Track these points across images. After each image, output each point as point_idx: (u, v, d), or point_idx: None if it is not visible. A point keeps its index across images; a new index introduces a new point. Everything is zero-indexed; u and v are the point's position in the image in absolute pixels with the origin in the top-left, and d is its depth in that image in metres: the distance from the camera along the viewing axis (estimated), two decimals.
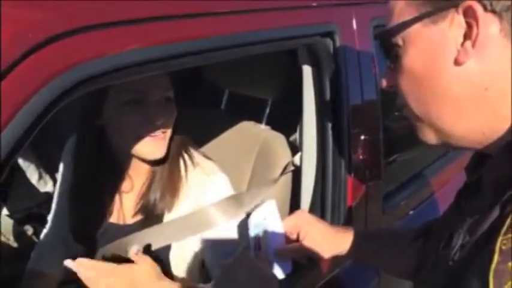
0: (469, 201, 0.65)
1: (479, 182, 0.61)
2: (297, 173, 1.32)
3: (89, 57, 0.66)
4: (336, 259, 1.01)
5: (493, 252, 0.48)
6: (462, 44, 0.58)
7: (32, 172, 1.88)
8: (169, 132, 1.10)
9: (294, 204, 1.32)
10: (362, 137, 1.25)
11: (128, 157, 1.13)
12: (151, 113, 1.04)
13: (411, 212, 1.51)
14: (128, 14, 0.72)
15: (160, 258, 1.08)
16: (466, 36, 0.57)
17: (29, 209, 1.89)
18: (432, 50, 0.60)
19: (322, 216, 1.22)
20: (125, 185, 1.17)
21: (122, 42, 0.70)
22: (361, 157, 1.26)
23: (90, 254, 1.11)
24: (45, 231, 1.34)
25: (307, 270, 1.14)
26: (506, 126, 0.58)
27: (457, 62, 0.58)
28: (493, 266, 0.47)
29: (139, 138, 1.06)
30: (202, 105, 1.56)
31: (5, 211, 1.87)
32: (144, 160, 1.12)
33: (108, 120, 1.08)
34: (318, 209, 1.24)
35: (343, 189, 1.23)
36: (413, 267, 0.79)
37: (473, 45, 0.57)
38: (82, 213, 1.18)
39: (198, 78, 1.55)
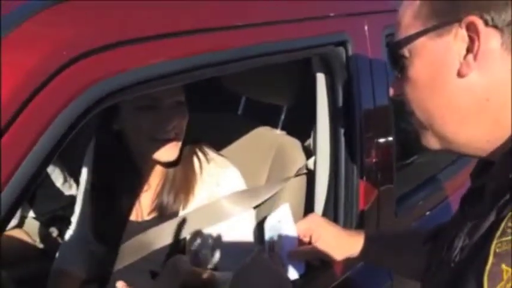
0: (472, 207, 0.68)
1: (482, 189, 0.64)
2: (311, 177, 1.36)
3: (117, 71, 0.72)
4: (348, 261, 1.04)
5: (488, 254, 0.51)
6: (465, 57, 0.61)
7: (57, 176, 1.95)
8: (182, 134, 1.15)
9: (308, 208, 1.35)
10: (374, 142, 1.29)
11: (144, 159, 1.19)
12: (164, 117, 1.09)
13: (424, 216, 1.53)
14: (151, 30, 0.78)
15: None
16: (469, 49, 0.61)
17: (54, 211, 1.96)
18: (437, 62, 0.64)
19: (335, 219, 1.25)
20: (142, 185, 1.23)
21: (146, 56, 0.76)
22: (373, 161, 1.29)
23: (112, 252, 1.16)
24: (69, 232, 1.40)
25: (320, 272, 1.17)
26: (508, 134, 0.62)
27: (460, 74, 0.62)
28: (488, 267, 0.50)
29: (153, 141, 1.12)
30: (220, 111, 1.61)
31: (31, 214, 1.94)
32: (158, 162, 1.17)
33: (124, 125, 1.14)
34: (331, 212, 1.27)
35: (355, 192, 1.27)
36: (423, 268, 0.82)
37: (474, 59, 0.60)
38: (102, 213, 1.24)
39: (217, 85, 1.61)
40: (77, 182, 2.03)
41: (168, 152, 1.14)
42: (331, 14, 1.18)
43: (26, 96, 0.61)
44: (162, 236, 1.16)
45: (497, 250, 0.50)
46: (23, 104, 0.60)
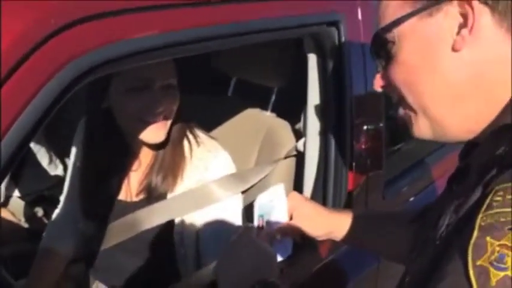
0: (459, 185, 0.69)
1: (469, 167, 0.65)
2: (300, 159, 1.36)
3: (105, 42, 0.70)
4: (332, 242, 1.05)
5: (473, 228, 0.51)
6: (458, 33, 0.61)
7: (42, 155, 1.93)
8: (171, 117, 1.14)
9: (297, 189, 1.35)
10: (364, 126, 1.29)
11: (133, 139, 1.18)
12: (153, 100, 1.08)
13: (412, 199, 1.54)
14: (141, 1, 0.76)
15: None
16: (461, 26, 0.61)
17: (39, 191, 1.94)
18: (428, 42, 0.64)
19: (324, 201, 1.26)
20: (132, 164, 1.22)
21: (137, 28, 0.74)
22: (363, 144, 1.29)
23: (100, 230, 1.16)
24: (57, 210, 1.39)
25: (306, 254, 1.18)
26: (496, 113, 0.62)
27: (454, 49, 0.62)
28: (473, 240, 0.50)
29: (141, 122, 1.11)
30: (210, 93, 1.60)
31: (16, 193, 1.92)
32: (146, 143, 1.17)
33: (112, 104, 1.13)
34: (320, 194, 1.28)
35: (344, 175, 1.27)
36: (407, 250, 0.83)
37: (470, 33, 0.60)
38: (92, 191, 1.23)
39: (207, 66, 1.59)
40: (63, 162, 2.02)
41: (156, 134, 1.13)
42: None
43: (13, 64, 0.59)
44: (150, 217, 1.15)
45: (482, 224, 0.51)
46: (8, 72, 0.59)
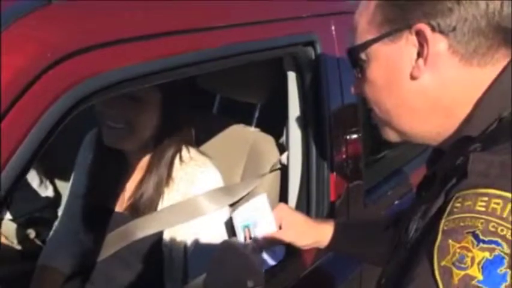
0: (426, 192, 0.75)
1: (434, 175, 0.71)
2: (284, 172, 1.42)
3: (98, 72, 0.76)
4: (318, 250, 1.10)
5: (437, 232, 0.56)
6: (416, 61, 0.67)
7: (33, 177, 1.95)
8: (138, 129, 1.18)
9: (282, 201, 1.41)
10: (343, 137, 1.36)
11: (112, 146, 1.23)
12: (107, 103, 1.13)
13: (392, 206, 1.61)
14: (130, 32, 0.82)
15: None
16: (420, 53, 0.67)
17: (31, 213, 1.96)
18: (391, 66, 0.70)
19: (307, 211, 1.31)
20: (130, 176, 1.28)
21: (126, 57, 0.80)
22: (343, 155, 1.36)
23: (97, 243, 1.20)
24: (54, 227, 1.43)
25: (291, 261, 1.23)
26: (457, 125, 0.69)
27: (412, 77, 0.68)
28: (437, 243, 0.56)
29: (104, 126, 1.18)
30: (195, 109, 1.65)
31: (8, 216, 1.94)
32: (137, 155, 1.23)
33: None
34: (304, 204, 1.33)
35: (326, 186, 1.33)
36: (386, 254, 0.89)
37: (424, 63, 0.66)
38: (95, 199, 1.28)
39: (192, 84, 1.65)
40: (53, 183, 2.04)
41: (115, 140, 1.18)
42: (300, 15, 1.25)
43: (14, 96, 0.65)
44: (139, 229, 1.20)
45: (444, 228, 0.56)
46: (11, 102, 0.64)
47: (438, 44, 0.65)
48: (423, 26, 0.65)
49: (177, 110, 1.24)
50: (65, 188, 1.99)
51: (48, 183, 2.01)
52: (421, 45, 0.66)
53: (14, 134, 0.64)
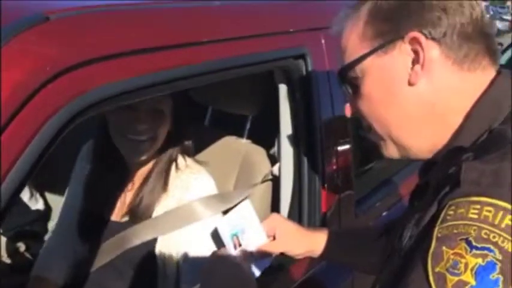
0: (419, 201, 0.77)
1: (427, 185, 0.74)
2: (276, 183, 1.44)
3: (95, 85, 0.77)
4: (311, 259, 1.11)
5: (431, 239, 0.58)
6: (412, 68, 0.70)
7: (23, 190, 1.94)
8: (158, 139, 1.21)
9: (274, 212, 1.42)
10: (334, 149, 1.38)
11: (128, 158, 1.26)
12: (136, 118, 1.16)
13: (382, 215, 1.63)
14: (126, 47, 0.84)
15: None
16: (414, 61, 0.70)
17: (21, 226, 1.95)
18: (386, 76, 0.72)
19: (299, 221, 1.32)
20: (127, 185, 1.30)
21: (122, 71, 0.82)
22: (334, 166, 1.38)
23: (92, 252, 1.20)
24: (49, 238, 1.43)
25: (284, 271, 1.24)
26: (449, 135, 0.71)
27: (410, 83, 0.70)
28: (431, 250, 0.58)
29: (125, 139, 1.19)
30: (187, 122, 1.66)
31: None
32: (139, 163, 1.24)
33: (106, 120, 1.21)
34: (296, 215, 1.35)
35: (318, 196, 1.35)
36: (378, 263, 0.90)
37: (422, 68, 0.69)
38: (90, 212, 1.29)
39: (184, 96, 1.66)
40: (43, 197, 2.04)
41: (138, 153, 1.20)
42: (291, 30, 1.27)
43: (14, 109, 0.66)
44: (134, 237, 1.21)
45: (438, 235, 0.58)
46: (11, 115, 0.65)
47: (432, 50, 0.69)
48: (417, 34, 0.68)
49: (180, 120, 1.27)
50: (55, 201, 1.98)
51: (38, 196, 2.01)
52: (415, 52, 0.69)
53: (13, 146, 0.65)
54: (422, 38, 0.68)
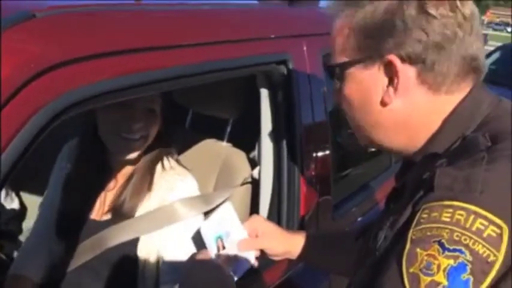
0: (395, 203, 0.80)
1: (403, 188, 0.76)
2: (256, 187, 1.46)
3: (79, 84, 0.78)
4: (289, 261, 1.12)
5: (406, 241, 0.61)
6: (387, 89, 0.72)
7: None
8: (148, 138, 1.23)
9: (254, 214, 1.44)
10: (313, 154, 1.41)
11: (113, 156, 1.26)
12: (132, 118, 1.17)
13: (359, 219, 1.66)
14: (109, 47, 0.85)
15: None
16: (391, 80, 0.71)
17: None
18: (364, 89, 0.75)
19: (278, 224, 1.34)
20: (110, 183, 1.29)
21: (105, 71, 0.82)
22: (313, 171, 1.41)
23: (70, 251, 1.19)
24: (28, 236, 1.41)
25: (261, 273, 1.26)
26: (423, 142, 0.74)
27: (382, 103, 0.73)
28: (406, 251, 0.60)
29: (118, 138, 1.19)
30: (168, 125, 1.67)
31: None
32: (124, 161, 1.24)
33: (97, 118, 1.20)
34: (275, 217, 1.37)
35: (296, 200, 1.37)
36: (354, 264, 0.92)
37: (395, 91, 0.71)
38: (70, 210, 1.28)
39: (165, 100, 1.67)
40: (19, 196, 2.00)
41: (130, 152, 1.21)
42: (274, 36, 1.30)
43: None
44: (115, 236, 1.21)
45: (413, 237, 0.60)
46: None
47: (408, 73, 0.70)
48: (393, 58, 0.70)
49: (168, 121, 1.28)
50: (31, 200, 1.95)
51: (14, 195, 1.97)
52: (390, 76, 0.71)
53: None
54: (398, 63, 0.69)
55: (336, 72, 0.78)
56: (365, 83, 0.74)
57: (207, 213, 1.33)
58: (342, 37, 0.76)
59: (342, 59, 0.76)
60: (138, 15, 0.99)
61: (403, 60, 0.70)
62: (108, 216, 1.25)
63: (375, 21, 0.71)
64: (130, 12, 0.98)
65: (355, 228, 1.09)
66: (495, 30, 39.60)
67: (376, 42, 0.71)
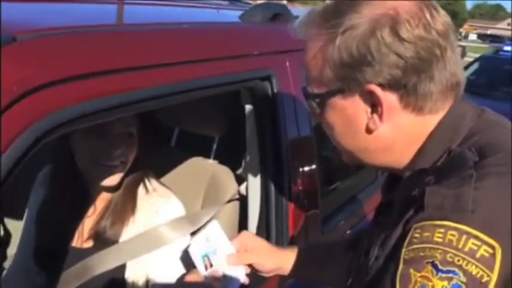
0: (384, 218, 0.80)
1: (391, 202, 0.77)
2: (243, 203, 1.45)
3: (61, 105, 0.77)
4: (280, 278, 1.11)
5: (399, 261, 0.61)
6: (372, 114, 0.71)
7: None
8: (127, 163, 1.21)
9: (242, 230, 1.43)
10: (300, 168, 1.41)
11: (91, 183, 1.23)
12: (110, 144, 1.15)
13: (348, 232, 1.66)
14: (91, 68, 0.84)
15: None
16: (374, 106, 0.70)
17: None
18: (347, 117, 0.74)
19: (267, 240, 1.33)
20: (88, 210, 1.26)
21: (87, 92, 0.82)
22: (300, 186, 1.41)
23: (53, 281, 1.17)
24: (8, 266, 1.37)
25: None
26: (410, 158, 0.75)
27: (368, 129, 0.72)
28: (399, 272, 0.60)
29: (97, 165, 1.17)
30: (154, 143, 1.66)
31: None
32: (104, 187, 1.22)
33: (73, 146, 1.18)
34: (264, 233, 1.36)
35: (285, 215, 1.37)
36: (344, 275, 0.92)
37: (380, 119, 0.71)
38: (48, 239, 1.25)
39: (150, 117, 1.66)
40: (2, 223, 1.95)
41: (110, 178, 1.19)
42: (257, 52, 1.31)
43: None
44: (101, 263, 1.18)
45: (405, 257, 0.60)
46: None
47: (390, 99, 0.70)
48: (374, 88, 0.69)
49: (147, 142, 1.26)
50: (15, 227, 1.91)
51: None
52: (373, 104, 0.70)
53: None
54: (379, 91, 0.68)
55: (314, 100, 0.76)
56: (348, 110, 0.73)
57: (194, 232, 1.32)
58: (317, 66, 0.72)
59: (320, 88, 0.74)
60: (120, 35, 1.00)
61: (383, 88, 0.69)
62: (89, 243, 1.23)
63: (350, 52, 0.69)
64: (112, 32, 0.99)
65: (346, 239, 1.09)
66: (474, 42, 40.42)
67: (353, 73, 0.69)
